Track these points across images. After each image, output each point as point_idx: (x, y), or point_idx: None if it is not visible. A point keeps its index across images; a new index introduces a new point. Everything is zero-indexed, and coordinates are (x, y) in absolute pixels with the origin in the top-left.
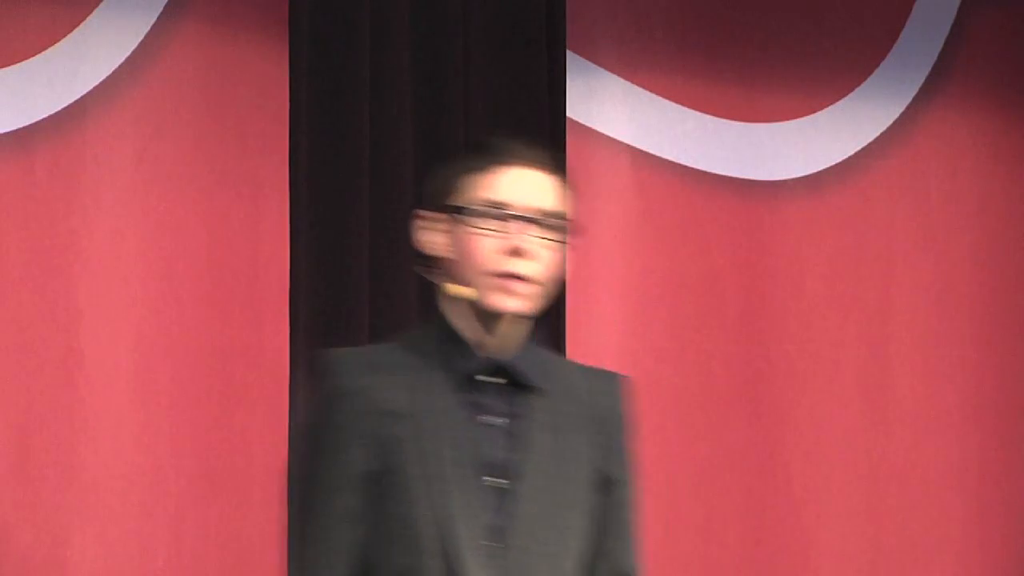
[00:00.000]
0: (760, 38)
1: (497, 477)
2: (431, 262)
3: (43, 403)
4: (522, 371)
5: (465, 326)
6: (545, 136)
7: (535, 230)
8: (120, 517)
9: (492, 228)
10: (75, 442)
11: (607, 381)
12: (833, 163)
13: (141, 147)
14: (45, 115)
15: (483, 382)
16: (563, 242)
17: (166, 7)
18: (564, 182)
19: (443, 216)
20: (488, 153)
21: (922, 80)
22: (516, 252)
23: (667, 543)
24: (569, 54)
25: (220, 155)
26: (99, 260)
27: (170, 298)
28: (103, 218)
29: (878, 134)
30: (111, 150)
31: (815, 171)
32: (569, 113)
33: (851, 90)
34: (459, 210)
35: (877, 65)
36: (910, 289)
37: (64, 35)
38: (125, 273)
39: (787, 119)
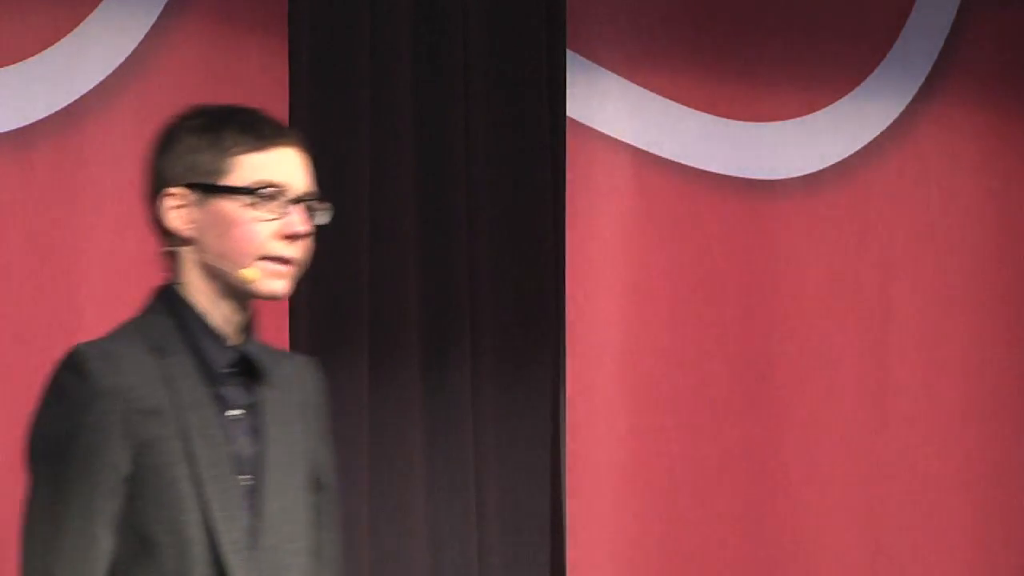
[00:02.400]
0: (760, 38)
1: (247, 474)
2: (176, 242)
3: None
4: (257, 360)
5: (211, 311)
6: (545, 136)
7: (305, 213)
8: None
9: (267, 210)
10: None
11: (307, 367)
12: (833, 162)
13: (141, 147)
14: (45, 115)
15: (225, 373)
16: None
17: (166, 7)
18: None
19: (201, 195)
20: (254, 130)
21: (922, 80)
22: (292, 237)
23: (667, 543)
24: (569, 54)
25: None
26: (99, 259)
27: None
28: (103, 217)
29: (878, 134)
30: (111, 149)
31: (815, 170)
32: (569, 113)
33: (851, 90)
34: (234, 191)
35: (877, 65)
36: (910, 289)
37: (64, 35)
38: (125, 272)
39: (787, 119)
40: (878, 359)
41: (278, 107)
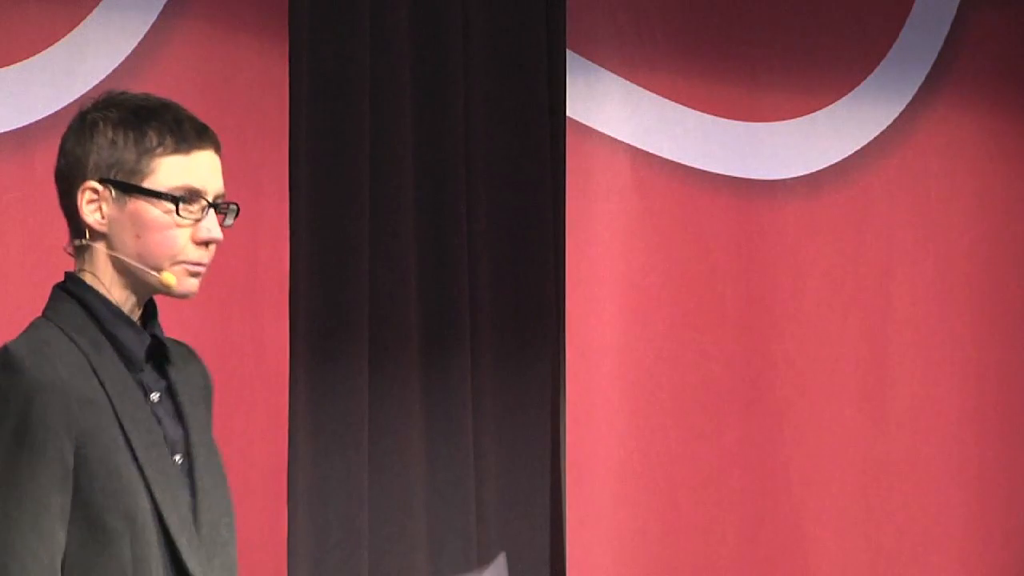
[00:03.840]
0: (760, 38)
1: (178, 455)
2: (88, 235)
3: None
4: (167, 346)
5: (122, 302)
6: (545, 136)
7: (219, 218)
8: None
9: (187, 216)
10: None
11: (191, 352)
12: (832, 163)
13: None
14: (45, 114)
15: (142, 359)
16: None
17: (166, 7)
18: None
19: (119, 194)
20: (177, 132)
21: (922, 80)
22: (208, 243)
23: (667, 543)
24: (569, 54)
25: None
26: None
27: (170, 298)
28: None
29: (878, 134)
30: None
31: (814, 171)
32: (569, 113)
33: (851, 90)
34: (154, 194)
35: (877, 65)
36: (910, 289)
37: (64, 35)
38: None
39: (787, 119)
40: (878, 359)
41: (278, 107)
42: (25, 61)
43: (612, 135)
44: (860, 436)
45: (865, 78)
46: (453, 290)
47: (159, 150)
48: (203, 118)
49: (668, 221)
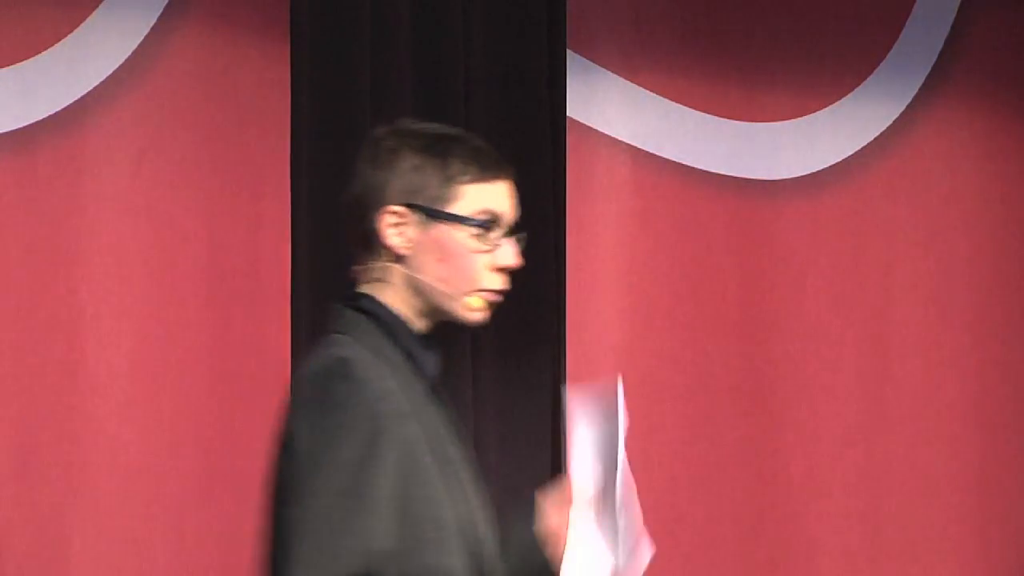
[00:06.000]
0: (760, 38)
1: (467, 467)
2: (388, 257)
3: (44, 403)
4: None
5: (414, 322)
6: (545, 136)
7: (515, 246)
8: (120, 517)
9: (486, 243)
10: (76, 442)
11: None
12: (833, 163)
13: (141, 147)
14: (46, 115)
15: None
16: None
17: (166, 7)
18: None
19: (423, 218)
20: (479, 160)
21: (922, 80)
22: (504, 270)
23: (667, 543)
24: (569, 54)
25: (221, 155)
26: (100, 260)
27: (171, 298)
28: (104, 218)
29: (878, 134)
30: (111, 150)
31: (815, 171)
32: (569, 112)
33: (851, 90)
34: (461, 220)
35: (877, 65)
36: (910, 289)
37: (64, 35)
38: (126, 273)
39: (787, 119)
40: (878, 359)
41: (279, 107)
42: (26, 61)
43: (612, 135)
44: (860, 436)
45: (865, 78)
46: None
47: (464, 177)
48: (204, 118)
49: (668, 221)
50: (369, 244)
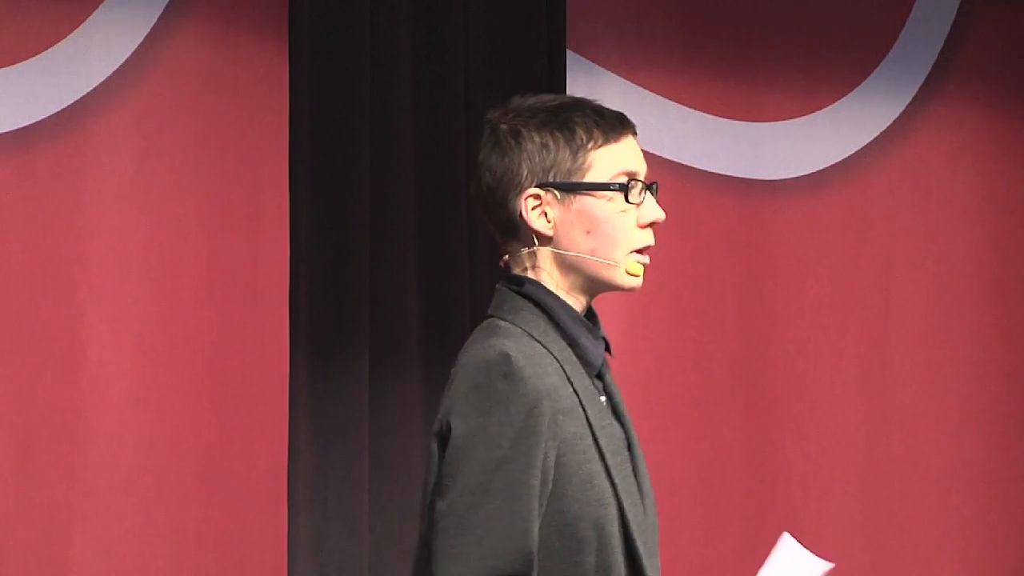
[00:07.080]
0: (760, 38)
1: (624, 454)
2: (534, 240)
3: (44, 402)
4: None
5: (574, 304)
6: None
7: (653, 197)
8: (120, 517)
9: (628, 202)
10: (76, 442)
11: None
12: (833, 163)
13: (142, 147)
14: (46, 115)
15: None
16: None
17: (166, 7)
18: None
19: (561, 194)
20: (601, 124)
21: (922, 80)
22: (652, 224)
23: (667, 543)
24: (569, 54)
25: (220, 155)
26: (100, 260)
27: (171, 298)
28: (104, 218)
29: (878, 134)
30: (112, 150)
31: (815, 170)
32: None
33: (851, 90)
34: (600, 187)
35: (877, 65)
36: (910, 289)
37: (64, 35)
38: (126, 273)
39: (787, 119)
40: (878, 359)
41: (278, 107)
42: (27, 61)
43: None
44: (860, 436)
45: (865, 78)
46: (453, 290)
47: (591, 144)
48: (203, 118)
49: (668, 221)
50: (514, 231)
